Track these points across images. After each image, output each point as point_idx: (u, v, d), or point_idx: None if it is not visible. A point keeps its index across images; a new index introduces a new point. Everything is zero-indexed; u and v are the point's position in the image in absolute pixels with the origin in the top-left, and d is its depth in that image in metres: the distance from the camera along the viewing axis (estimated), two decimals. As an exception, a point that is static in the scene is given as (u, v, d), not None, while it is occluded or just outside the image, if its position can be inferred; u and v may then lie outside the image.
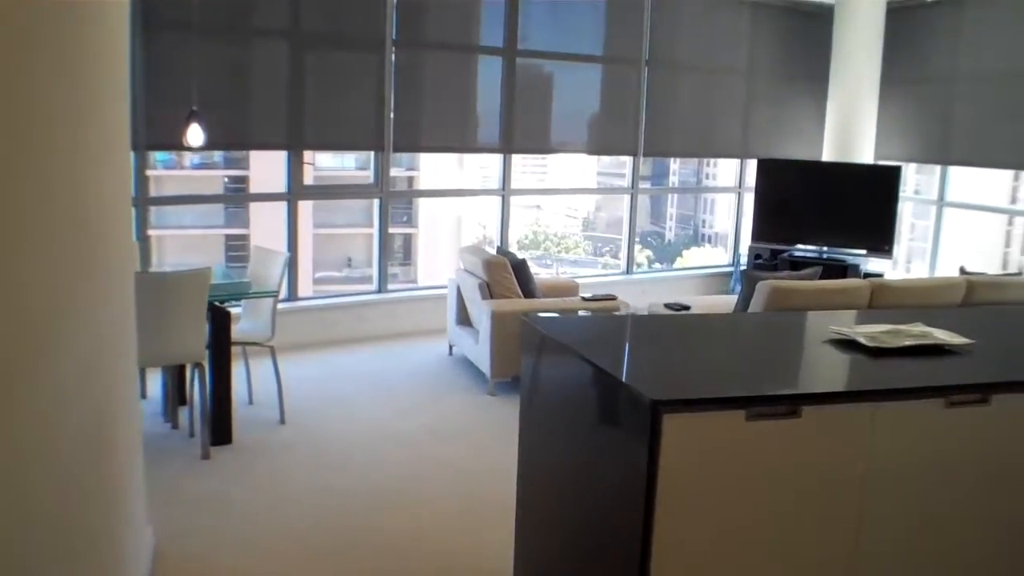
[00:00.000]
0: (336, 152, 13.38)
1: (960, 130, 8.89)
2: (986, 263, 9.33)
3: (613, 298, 6.36)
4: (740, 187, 10.02)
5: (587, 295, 6.47)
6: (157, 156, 12.95)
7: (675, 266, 12.14)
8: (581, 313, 5.74)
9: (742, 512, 2.52)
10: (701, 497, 2.47)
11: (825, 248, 9.13)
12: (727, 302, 6.59)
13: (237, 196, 14.06)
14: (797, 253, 9.07)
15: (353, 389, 6.20)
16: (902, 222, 9.39)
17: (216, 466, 4.76)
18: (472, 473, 4.81)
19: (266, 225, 12.85)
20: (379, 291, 7.88)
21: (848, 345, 3.14)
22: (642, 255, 9.81)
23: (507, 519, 3.48)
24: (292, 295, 7.31)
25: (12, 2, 1.73)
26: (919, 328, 3.33)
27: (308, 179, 7.57)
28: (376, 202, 7.85)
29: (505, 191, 8.35)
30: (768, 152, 9.75)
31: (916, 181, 10.14)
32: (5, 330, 1.76)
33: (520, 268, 6.39)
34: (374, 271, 7.98)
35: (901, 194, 8.95)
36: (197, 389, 4.88)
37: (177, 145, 6.00)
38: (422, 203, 14.56)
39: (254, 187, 13.75)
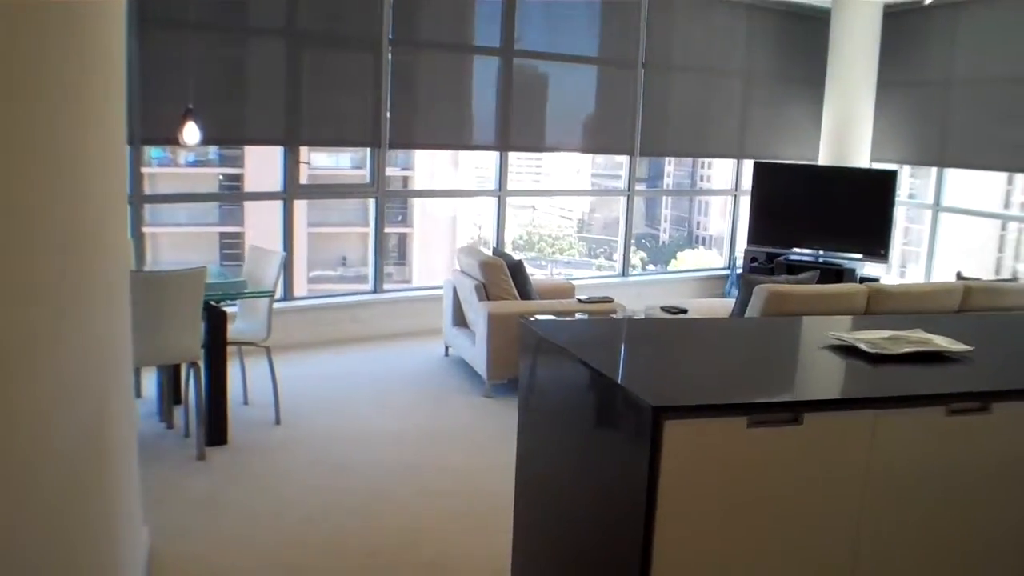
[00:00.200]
0: (331, 151, 13.41)
1: (956, 133, 8.91)
2: (980, 268, 9.35)
3: (610, 300, 6.35)
4: (736, 190, 10.02)
5: (583, 297, 6.46)
6: (152, 153, 12.95)
7: (670, 268, 12.15)
8: (578, 315, 5.73)
9: (743, 519, 2.51)
10: (702, 504, 2.46)
11: (821, 252, 9.14)
12: (724, 305, 6.59)
13: (233, 195, 14.05)
14: (793, 257, 9.08)
15: (349, 390, 6.18)
16: (896, 226, 9.39)
17: (212, 466, 4.74)
18: (469, 475, 4.80)
19: (260, 223, 12.84)
20: (375, 291, 7.86)
21: (848, 351, 3.13)
22: (636, 257, 9.81)
23: (504, 522, 3.47)
24: (287, 295, 7.29)
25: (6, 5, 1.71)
26: (918, 334, 3.33)
27: (303, 178, 7.55)
28: (372, 202, 7.82)
29: (501, 192, 8.34)
30: (764, 154, 9.76)
31: (910, 185, 10.16)
32: (7, 335, 1.75)
33: (517, 270, 6.38)
34: (370, 271, 7.96)
35: (896, 198, 8.97)
36: (193, 389, 4.86)
37: (173, 141, 5.99)
38: (417, 203, 14.55)
39: (249, 185, 13.74)
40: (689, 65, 9.18)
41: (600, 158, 12.80)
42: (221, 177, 14.64)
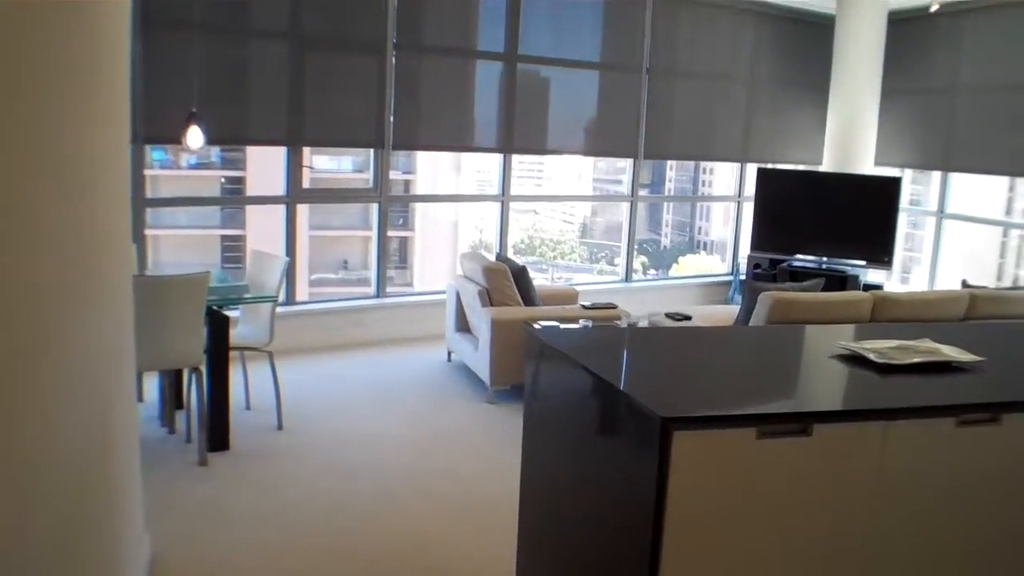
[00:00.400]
0: (333, 155, 13.38)
1: (960, 139, 8.90)
2: (981, 274, 9.32)
3: (614, 307, 6.33)
4: (739, 196, 10.01)
5: (587, 303, 6.44)
6: (154, 155, 12.93)
7: (673, 274, 12.13)
8: (582, 322, 5.70)
9: (751, 530, 2.49)
10: (711, 515, 2.43)
11: (824, 258, 9.11)
12: (728, 312, 6.56)
13: (236, 199, 14.02)
14: (796, 263, 9.06)
15: (351, 395, 6.16)
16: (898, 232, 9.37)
17: (213, 472, 4.72)
18: (472, 481, 4.78)
19: (262, 226, 12.81)
20: (377, 296, 7.84)
21: (856, 361, 3.11)
22: (637, 261, 9.78)
23: (509, 529, 3.45)
24: (290, 299, 7.27)
25: (10, 6, 1.69)
26: (927, 344, 3.31)
27: (306, 182, 7.53)
28: (375, 207, 7.80)
29: (505, 197, 8.33)
30: (768, 158, 9.76)
31: (912, 191, 10.14)
32: (1, 334, 1.73)
33: (520, 275, 6.36)
34: (372, 276, 7.94)
35: (900, 205, 8.94)
36: (195, 394, 4.83)
37: (175, 141, 5.97)
38: (419, 206, 14.53)
39: (251, 188, 13.71)
40: (693, 71, 9.17)
41: (602, 163, 12.78)
42: (223, 180, 14.62)
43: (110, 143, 2.89)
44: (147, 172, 8.11)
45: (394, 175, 7.79)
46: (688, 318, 6.06)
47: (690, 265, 12.64)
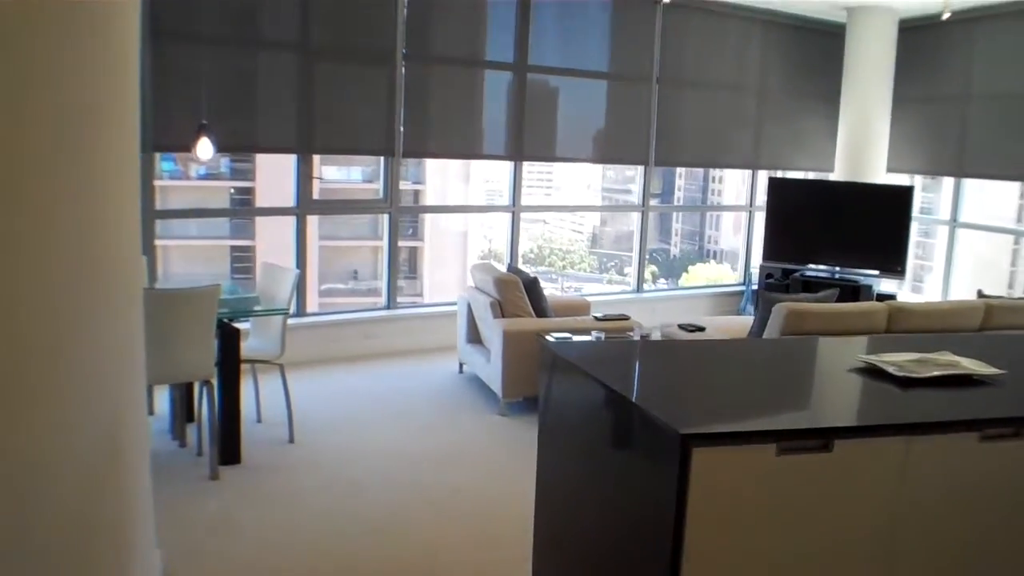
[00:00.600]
0: (342, 165, 13.38)
1: (972, 147, 8.84)
2: (993, 282, 9.26)
3: (626, 318, 6.29)
4: (751, 206, 9.97)
5: (599, 315, 6.40)
6: (163, 166, 12.94)
7: (685, 284, 12.09)
8: (594, 334, 5.67)
9: (772, 547, 2.45)
10: (730, 532, 2.40)
11: (837, 268, 9.06)
12: (741, 323, 6.52)
13: (246, 210, 14.04)
14: (809, 273, 9.00)
15: (362, 407, 6.13)
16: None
17: (225, 487, 4.69)
18: (485, 497, 4.73)
19: (271, 237, 12.82)
20: (388, 307, 7.81)
21: (876, 374, 3.07)
22: (647, 271, 9.74)
23: (522, 546, 3.41)
24: (300, 310, 7.25)
25: (22, 15, 1.67)
26: (947, 357, 3.26)
27: (315, 193, 7.52)
28: (385, 217, 7.79)
29: (515, 207, 8.30)
30: (780, 165, 9.73)
31: (922, 199, 10.09)
32: (11, 348, 1.70)
33: (532, 286, 6.33)
34: (383, 287, 7.92)
35: (912, 214, 8.89)
36: (206, 407, 4.81)
37: (184, 149, 5.97)
38: (428, 216, 14.53)
39: (260, 199, 13.73)
40: (703, 80, 9.14)
41: (611, 172, 12.75)
42: (232, 191, 14.64)
43: (120, 155, 2.87)
44: (157, 183, 8.11)
45: (403, 185, 7.77)
46: (701, 329, 6.01)
47: (700, 274, 12.59)
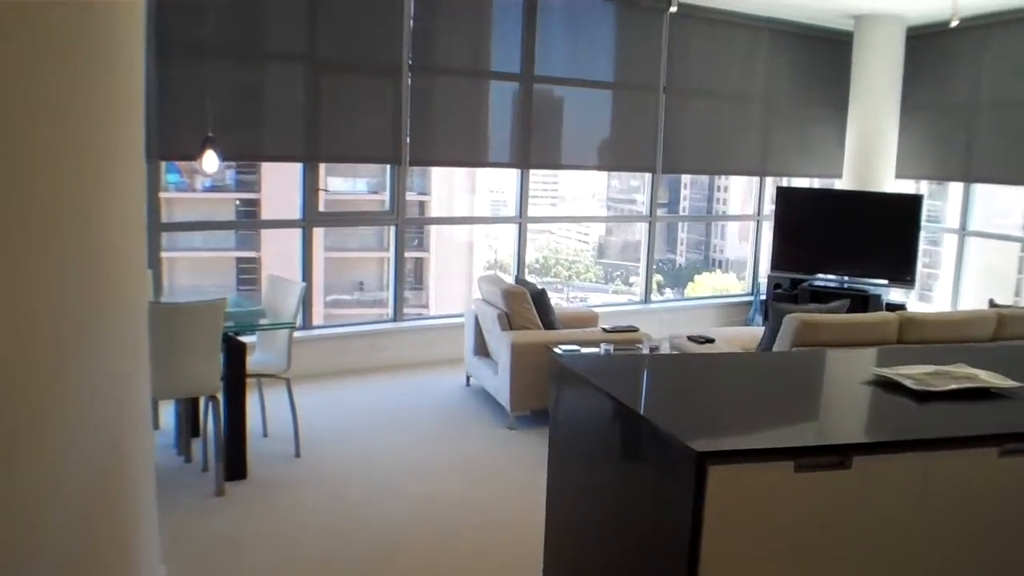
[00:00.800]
0: (348, 177, 13.36)
1: (981, 155, 8.78)
2: (1000, 291, 9.18)
3: (635, 330, 6.24)
4: (759, 215, 9.92)
5: (608, 327, 6.35)
6: (169, 178, 12.94)
7: (692, 294, 12.04)
8: (603, 346, 5.62)
9: (790, 566, 2.40)
10: (747, 550, 2.35)
11: (846, 278, 8.99)
12: (751, 334, 6.46)
13: (252, 223, 14.02)
14: (817, 283, 8.94)
15: (369, 421, 6.08)
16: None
17: (230, 503, 4.64)
18: (494, 512, 4.68)
19: (277, 248, 12.80)
20: (395, 319, 7.77)
21: (892, 387, 3.02)
22: (653, 280, 9.68)
23: (532, 563, 3.36)
24: (306, 323, 7.21)
25: (26, 27, 1.64)
26: (963, 369, 3.21)
27: (321, 205, 7.49)
28: (391, 229, 7.75)
29: (522, 218, 8.26)
30: (788, 171, 9.69)
31: (929, 207, 10.03)
32: (14, 364, 1.67)
33: (540, 298, 6.28)
34: (389, 299, 7.88)
35: (922, 223, 8.84)
36: (211, 422, 4.76)
37: (191, 168, 5.95)
38: (434, 227, 14.50)
39: (265, 210, 13.70)
40: (711, 89, 9.11)
41: (615, 181, 12.72)
42: (238, 202, 14.63)
43: (125, 167, 2.83)
44: (162, 195, 8.09)
45: (409, 196, 7.74)
46: (711, 341, 5.96)
47: (706, 283, 12.55)
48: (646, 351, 5.61)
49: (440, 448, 5.63)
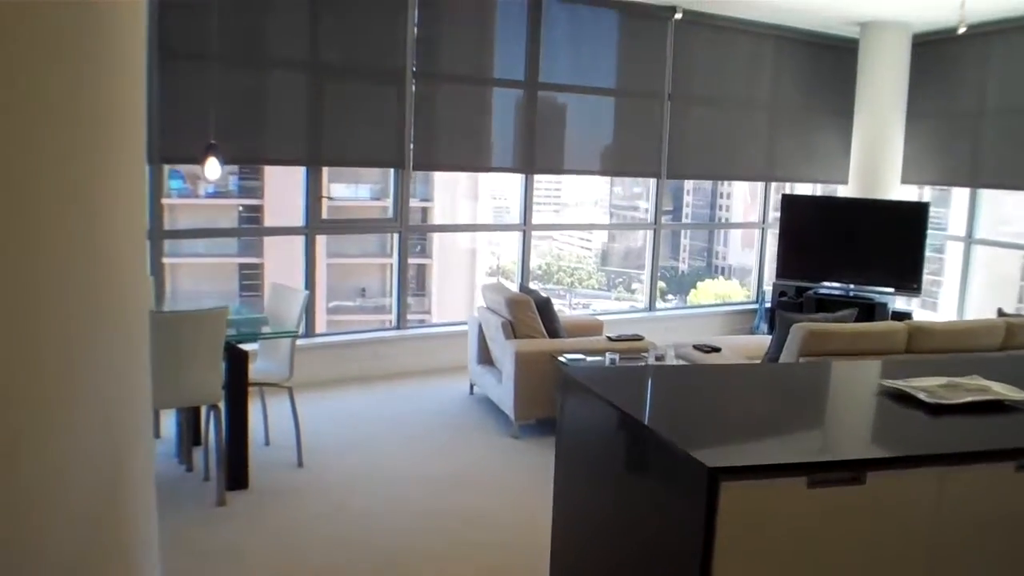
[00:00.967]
0: (351, 183, 13.35)
1: (988, 162, 8.74)
2: (1004, 298, 9.13)
3: (640, 339, 6.19)
4: (763, 223, 9.87)
5: (613, 335, 6.30)
6: (171, 184, 12.92)
7: (694, 300, 12.02)
8: (609, 355, 5.58)
9: (803, 585, 2.35)
10: (760, 566, 2.31)
11: (852, 286, 8.93)
12: (757, 343, 6.41)
13: (255, 230, 14.02)
14: (823, 291, 8.89)
15: (372, 430, 6.03)
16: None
17: (232, 513, 4.59)
18: (499, 524, 4.62)
19: (279, 255, 12.80)
20: (398, 327, 7.72)
21: (905, 400, 2.97)
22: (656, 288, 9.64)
23: (538, 574, 3.31)
24: (309, 331, 7.16)
25: (24, 26, 1.60)
26: (977, 381, 3.17)
27: (324, 212, 7.45)
28: (395, 236, 7.71)
29: (526, 226, 8.22)
30: (793, 178, 9.65)
31: (932, 214, 9.99)
32: (10, 374, 1.64)
33: (544, 307, 6.23)
34: (392, 307, 7.83)
35: (928, 230, 8.79)
36: (213, 431, 4.71)
37: (194, 174, 5.92)
38: (436, 233, 14.49)
39: (268, 216, 13.70)
40: (716, 96, 9.07)
41: (618, 187, 12.70)
42: (241, 208, 14.63)
43: (125, 173, 2.79)
44: (165, 201, 8.06)
45: (412, 203, 7.70)
46: (717, 350, 5.91)
47: (709, 290, 12.52)
48: (652, 360, 5.56)
49: (444, 457, 5.58)
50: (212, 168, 5.68)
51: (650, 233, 9.15)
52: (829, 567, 2.37)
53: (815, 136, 9.67)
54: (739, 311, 9.83)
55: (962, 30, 6.60)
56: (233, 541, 4.28)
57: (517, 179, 8.28)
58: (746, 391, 3.30)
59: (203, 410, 5.09)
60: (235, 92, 6.60)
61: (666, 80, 8.64)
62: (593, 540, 2.97)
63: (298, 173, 7.24)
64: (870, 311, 8.32)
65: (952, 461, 2.47)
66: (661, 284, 11.04)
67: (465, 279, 15.00)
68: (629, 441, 2.73)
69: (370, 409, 6.50)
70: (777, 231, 9.30)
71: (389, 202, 7.84)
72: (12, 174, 1.79)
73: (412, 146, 7.36)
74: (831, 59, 9.55)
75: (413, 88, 7.31)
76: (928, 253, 8.94)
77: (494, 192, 13.62)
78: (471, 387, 6.94)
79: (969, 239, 9.12)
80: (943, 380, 3.16)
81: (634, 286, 12.89)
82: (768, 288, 9.57)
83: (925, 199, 9.59)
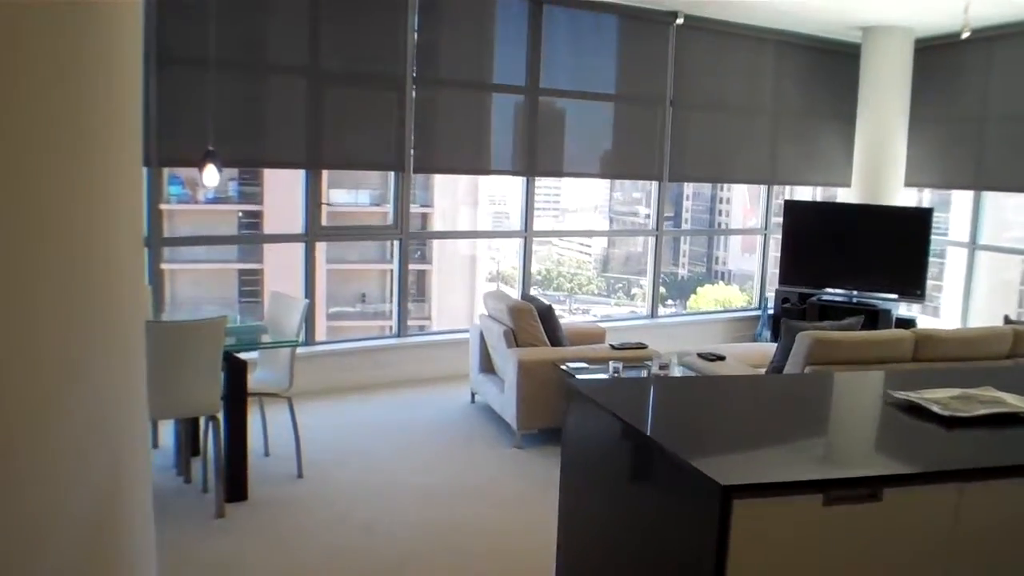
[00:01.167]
0: (351, 189, 13.31)
1: (991, 166, 8.68)
2: (1004, 303, 9.08)
3: (644, 347, 6.13)
4: (766, 229, 9.82)
5: (616, 343, 6.24)
6: (171, 190, 12.88)
7: (695, 305, 11.97)
8: (612, 364, 5.51)
9: (818, 606, 2.29)
10: (774, 589, 2.24)
11: (855, 292, 8.87)
12: (762, 351, 6.35)
13: (254, 237, 13.97)
14: (826, 297, 8.82)
15: (373, 440, 5.96)
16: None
17: (231, 525, 4.52)
18: (502, 534, 4.56)
19: (279, 261, 12.73)
20: (398, 335, 7.66)
21: (918, 412, 2.91)
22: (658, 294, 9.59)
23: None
24: (309, 339, 7.09)
25: (9, 25, 1.55)
26: (990, 393, 3.11)
27: (324, 218, 7.40)
28: (395, 243, 7.65)
29: (527, 233, 8.16)
30: (795, 181, 9.62)
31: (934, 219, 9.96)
32: (9, 381, 1.60)
33: (546, 315, 6.17)
34: (393, 315, 7.78)
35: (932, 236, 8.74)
36: (212, 442, 4.65)
37: (193, 180, 5.88)
38: (436, 239, 14.44)
39: (268, 222, 13.65)
40: (717, 101, 9.01)
41: (617, 192, 12.66)
42: (240, 214, 14.58)
43: (122, 180, 2.73)
44: (164, 207, 7.99)
45: (412, 209, 7.64)
46: (722, 358, 5.84)
47: (709, 295, 12.49)
48: (656, 369, 5.49)
49: (446, 468, 5.52)
50: (210, 175, 5.62)
51: (651, 239, 9.09)
52: (845, 586, 2.31)
53: (817, 140, 9.62)
54: (741, 318, 9.78)
55: (966, 35, 6.55)
56: (232, 554, 4.21)
57: (517, 184, 8.22)
58: (756, 404, 3.24)
59: (202, 420, 5.02)
60: (235, 96, 6.55)
61: (668, 85, 8.59)
62: (600, 555, 2.91)
63: (298, 179, 7.18)
64: (873, 317, 8.26)
65: (970, 477, 2.41)
66: (661, 290, 11.00)
67: (465, 284, 14.97)
68: (638, 455, 2.67)
69: (371, 418, 6.43)
70: (779, 237, 9.24)
71: (389, 208, 7.79)
72: (7, 178, 1.74)
73: (413, 152, 7.30)
74: (832, 64, 9.50)
75: (413, 94, 7.25)
76: (930, 258, 8.88)
77: (494, 197, 13.59)
78: (472, 396, 6.88)
79: (973, 245, 9.07)
80: (956, 392, 3.11)
81: (634, 291, 12.86)
82: (770, 294, 9.51)
83: (925, 204, 9.54)
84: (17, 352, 1.82)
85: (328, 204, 7.60)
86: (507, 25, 7.86)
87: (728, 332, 9.44)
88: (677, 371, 5.76)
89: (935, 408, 2.89)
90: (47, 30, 1.98)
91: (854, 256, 8.87)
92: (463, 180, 13.52)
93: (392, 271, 8.05)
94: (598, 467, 2.96)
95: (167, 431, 5.42)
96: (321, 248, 7.92)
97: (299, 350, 5.64)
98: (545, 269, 14.02)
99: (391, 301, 7.97)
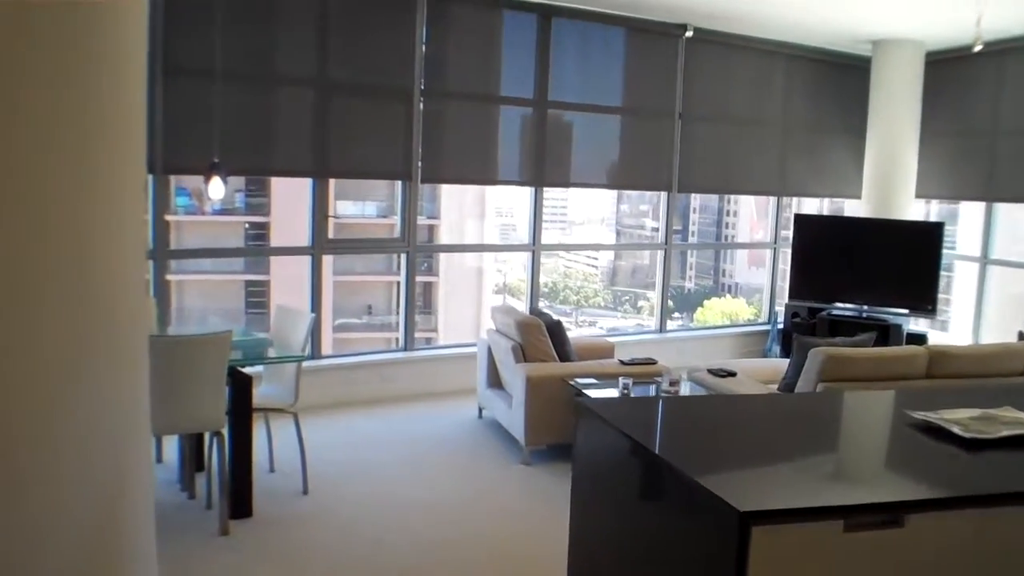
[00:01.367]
0: (357, 200, 13.27)
1: (1003, 179, 8.61)
2: (1014, 318, 9.00)
3: (653, 362, 6.07)
4: (775, 243, 9.75)
5: (625, 359, 6.17)
6: (178, 201, 12.86)
7: (701, 318, 11.90)
8: (622, 380, 5.44)
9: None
10: (793, 618, 2.17)
11: (865, 307, 8.79)
12: (773, 367, 6.28)
13: (260, 249, 13.93)
14: (836, 312, 8.74)
15: (379, 455, 5.90)
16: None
17: (235, 543, 4.45)
18: (511, 553, 4.49)
19: (286, 272, 12.69)
20: (405, 349, 7.60)
21: (938, 433, 2.84)
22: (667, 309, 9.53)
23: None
24: (315, 352, 7.04)
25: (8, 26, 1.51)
26: (1011, 413, 3.04)
27: (330, 231, 7.35)
28: (402, 256, 7.60)
29: (535, 246, 8.10)
30: (805, 193, 9.59)
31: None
32: (6, 403, 1.56)
33: (555, 329, 6.11)
34: (400, 329, 7.72)
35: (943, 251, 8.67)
36: (216, 458, 4.59)
37: (200, 191, 5.85)
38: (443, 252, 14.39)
39: (275, 234, 13.61)
40: (727, 113, 8.97)
41: (625, 206, 12.61)
42: (247, 226, 14.55)
43: (126, 193, 2.68)
44: (171, 218, 7.96)
45: (418, 221, 7.58)
46: (733, 374, 5.77)
47: (716, 308, 12.41)
48: (666, 385, 5.43)
49: (453, 484, 5.45)
50: (216, 188, 5.59)
51: (660, 253, 9.04)
52: (866, 615, 2.24)
53: (827, 153, 9.58)
54: (750, 332, 9.70)
55: (978, 48, 6.49)
56: (236, 571, 4.15)
57: (524, 197, 8.18)
58: (771, 424, 3.17)
59: (206, 436, 4.96)
60: (242, 107, 6.53)
61: (677, 98, 8.54)
62: (611, 574, 2.84)
63: (305, 192, 7.14)
64: (884, 332, 8.18)
65: (997, 502, 2.34)
66: (669, 303, 10.93)
67: (472, 296, 14.91)
68: (651, 477, 2.61)
69: (377, 433, 6.37)
70: (788, 251, 9.18)
71: (396, 220, 7.74)
72: (10, 180, 1.70)
73: (420, 164, 7.27)
74: (842, 77, 9.46)
75: (421, 106, 7.22)
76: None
77: (500, 209, 13.55)
78: (480, 411, 6.81)
79: (985, 259, 8.99)
80: (976, 412, 3.03)
81: (640, 303, 12.79)
82: (780, 309, 9.43)
83: (933, 217, 9.47)
84: (19, 352, 1.78)
85: (335, 217, 7.55)
86: (515, 37, 7.83)
87: (737, 347, 9.37)
88: (687, 388, 5.70)
89: (956, 429, 2.82)
90: (49, 32, 1.94)
91: (864, 270, 8.80)
92: (470, 192, 13.47)
93: (399, 283, 8.00)
94: (609, 488, 2.89)
95: (171, 446, 5.37)
96: (328, 260, 7.89)
97: (305, 364, 5.57)
98: (552, 281, 13.96)
99: (397, 313, 7.91)
